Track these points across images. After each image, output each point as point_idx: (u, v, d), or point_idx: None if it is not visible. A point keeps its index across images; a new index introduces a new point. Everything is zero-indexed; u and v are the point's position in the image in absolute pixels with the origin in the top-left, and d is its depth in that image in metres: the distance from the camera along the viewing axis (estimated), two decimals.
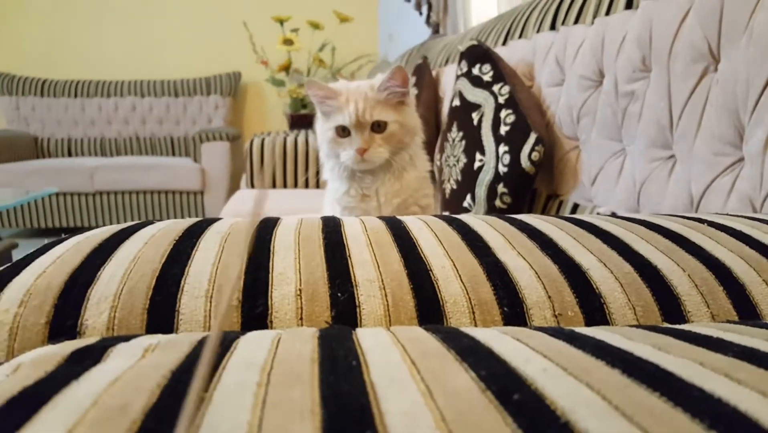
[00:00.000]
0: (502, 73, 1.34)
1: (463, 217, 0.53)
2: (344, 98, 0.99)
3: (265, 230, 0.46)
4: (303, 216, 0.53)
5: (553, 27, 1.32)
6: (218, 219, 0.50)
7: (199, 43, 4.22)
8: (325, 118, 1.03)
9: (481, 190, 1.30)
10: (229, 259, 0.39)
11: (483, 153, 1.32)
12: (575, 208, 1.19)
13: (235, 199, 2.16)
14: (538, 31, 1.39)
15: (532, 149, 1.18)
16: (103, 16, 4.15)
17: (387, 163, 1.01)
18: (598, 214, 1.10)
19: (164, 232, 0.44)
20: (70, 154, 4.02)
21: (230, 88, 4.11)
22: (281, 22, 3.71)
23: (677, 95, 0.89)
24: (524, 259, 0.42)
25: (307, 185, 2.38)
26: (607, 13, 1.11)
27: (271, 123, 4.35)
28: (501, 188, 1.24)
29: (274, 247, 0.42)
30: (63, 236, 0.47)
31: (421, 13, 3.23)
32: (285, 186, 2.40)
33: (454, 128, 1.47)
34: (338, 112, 0.99)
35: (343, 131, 1.00)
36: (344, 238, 0.44)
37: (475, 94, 1.39)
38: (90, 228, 0.47)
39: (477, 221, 0.50)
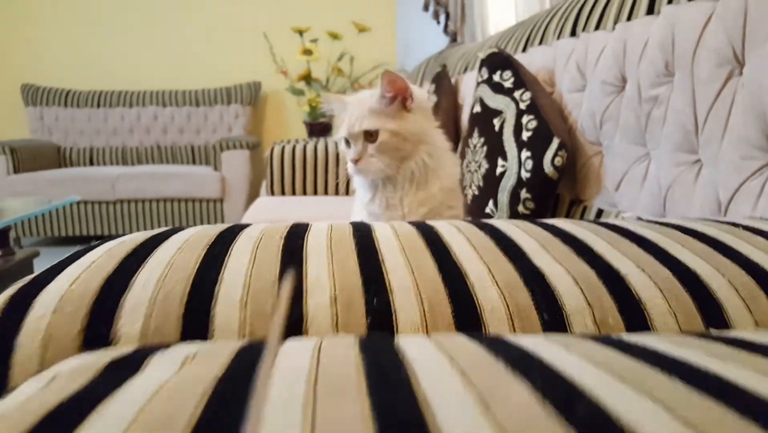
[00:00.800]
0: (523, 80, 1.33)
1: (493, 221, 0.52)
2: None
3: (296, 234, 0.45)
4: (331, 222, 0.52)
5: (573, 33, 1.31)
6: (248, 225, 0.49)
7: (220, 54, 4.26)
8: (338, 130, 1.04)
9: (503, 195, 1.29)
10: (262, 266, 0.39)
11: (505, 159, 1.31)
12: (599, 213, 1.18)
13: (256, 206, 2.17)
14: (558, 37, 1.38)
15: (555, 155, 1.16)
16: (126, 29, 4.21)
17: (408, 173, 0.98)
18: (623, 219, 1.08)
19: (197, 237, 0.43)
20: (92, 163, 4.07)
21: (250, 98, 4.14)
22: (300, 33, 3.74)
23: (702, 99, 0.87)
24: (560, 264, 0.41)
25: (326, 192, 2.38)
26: (629, 18, 1.09)
27: (290, 131, 4.37)
28: (524, 194, 1.23)
29: (306, 252, 0.41)
30: (92, 243, 0.47)
31: (438, 22, 3.23)
32: (305, 193, 2.40)
33: (476, 134, 1.46)
34: (343, 123, 0.99)
35: (347, 142, 1.00)
36: (376, 242, 0.44)
37: (496, 101, 1.38)
38: (111, 236, 0.46)
39: (509, 225, 0.49)
